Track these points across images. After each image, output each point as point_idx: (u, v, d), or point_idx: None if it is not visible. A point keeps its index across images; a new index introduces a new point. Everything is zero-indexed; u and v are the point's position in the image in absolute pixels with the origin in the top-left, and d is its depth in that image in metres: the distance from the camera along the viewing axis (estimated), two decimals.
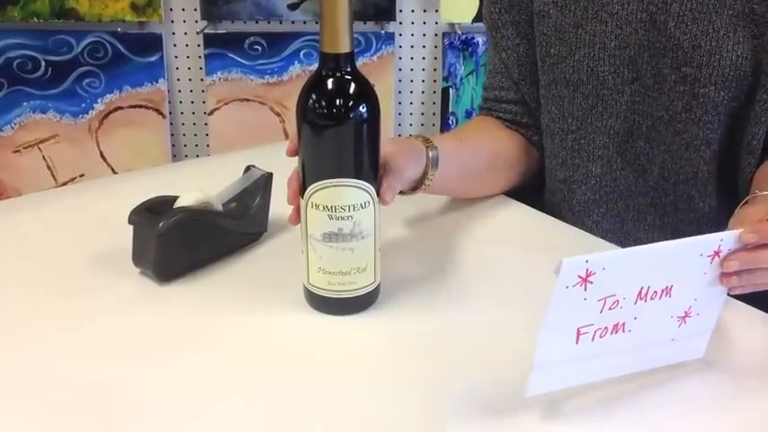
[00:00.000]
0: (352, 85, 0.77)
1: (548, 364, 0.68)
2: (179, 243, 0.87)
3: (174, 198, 0.90)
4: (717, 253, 0.71)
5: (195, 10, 2.16)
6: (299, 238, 0.82)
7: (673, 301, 0.71)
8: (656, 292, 0.70)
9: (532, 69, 1.10)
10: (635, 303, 0.69)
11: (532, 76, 1.10)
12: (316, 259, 0.80)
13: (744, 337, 0.81)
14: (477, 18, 2.12)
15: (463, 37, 2.18)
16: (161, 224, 0.85)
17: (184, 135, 2.27)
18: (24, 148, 2.20)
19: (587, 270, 0.66)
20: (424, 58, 2.24)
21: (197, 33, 2.17)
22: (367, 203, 0.78)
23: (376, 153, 0.79)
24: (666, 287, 0.70)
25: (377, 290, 0.84)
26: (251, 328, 0.81)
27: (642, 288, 0.69)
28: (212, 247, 0.92)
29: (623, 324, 0.70)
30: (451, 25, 2.19)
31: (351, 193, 0.78)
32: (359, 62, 2.18)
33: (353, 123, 0.77)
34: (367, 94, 0.77)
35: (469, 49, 2.19)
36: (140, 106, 2.19)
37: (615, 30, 1.00)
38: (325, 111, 0.77)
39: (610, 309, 0.69)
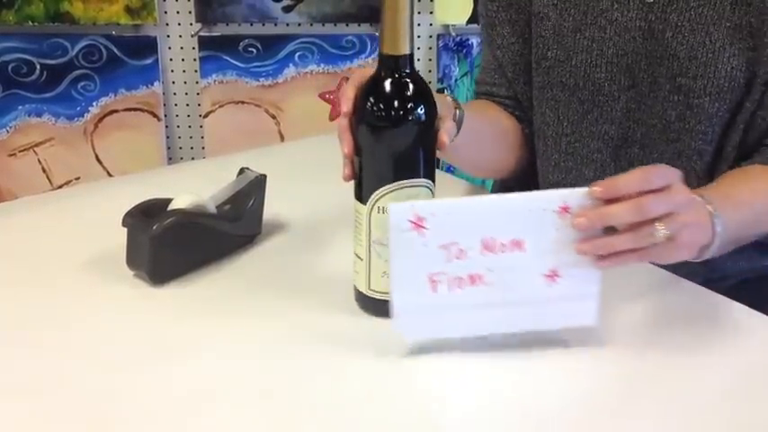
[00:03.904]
0: (415, 86, 0.76)
1: (410, 309, 0.73)
2: (173, 245, 0.87)
3: (168, 201, 0.90)
4: (565, 209, 0.72)
5: (190, 13, 2.16)
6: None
7: (529, 257, 0.73)
8: (503, 244, 0.72)
9: (526, 69, 1.10)
10: (482, 254, 0.72)
11: (526, 76, 1.10)
12: (381, 264, 0.78)
13: (743, 339, 0.81)
14: (472, 20, 2.12)
15: (458, 39, 2.18)
16: (155, 227, 0.86)
17: (179, 138, 2.27)
18: (20, 151, 2.19)
19: (417, 215, 0.70)
20: (418, 60, 2.24)
21: (192, 36, 2.17)
22: None
23: (435, 151, 0.79)
24: (515, 240, 0.72)
25: None
26: (245, 329, 0.81)
27: (485, 238, 0.72)
28: (206, 250, 0.92)
29: (480, 276, 0.72)
30: (446, 27, 2.19)
31: (422, 194, 0.77)
32: (354, 64, 2.18)
33: (424, 122, 0.76)
34: (428, 93, 0.77)
35: (464, 51, 2.19)
36: (135, 109, 2.18)
37: (614, 37, 1.00)
38: (397, 111, 0.76)
39: (457, 258, 0.72)
